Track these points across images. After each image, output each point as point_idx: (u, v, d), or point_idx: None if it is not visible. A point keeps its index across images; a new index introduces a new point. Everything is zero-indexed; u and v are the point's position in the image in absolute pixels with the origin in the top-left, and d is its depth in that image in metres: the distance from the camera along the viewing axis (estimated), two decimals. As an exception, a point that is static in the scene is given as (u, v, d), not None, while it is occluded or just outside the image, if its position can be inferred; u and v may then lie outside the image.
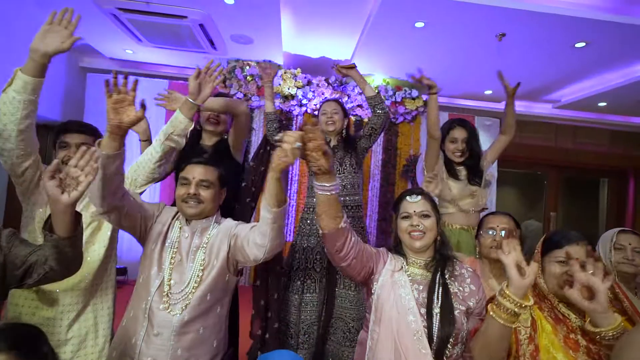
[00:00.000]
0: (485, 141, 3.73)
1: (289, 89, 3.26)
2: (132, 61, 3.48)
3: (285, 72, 3.27)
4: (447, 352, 0.97)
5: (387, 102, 3.39)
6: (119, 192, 1.08)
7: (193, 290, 1.10)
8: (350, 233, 1.03)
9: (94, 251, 1.30)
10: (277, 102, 3.32)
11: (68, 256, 0.93)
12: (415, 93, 3.39)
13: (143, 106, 1.08)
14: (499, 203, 4.26)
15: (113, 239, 1.36)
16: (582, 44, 2.48)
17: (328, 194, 0.98)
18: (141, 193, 1.44)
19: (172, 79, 3.56)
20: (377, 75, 3.35)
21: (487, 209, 1.96)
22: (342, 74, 1.94)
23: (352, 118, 3.45)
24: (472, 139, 1.88)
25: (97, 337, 1.29)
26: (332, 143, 1.90)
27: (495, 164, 2.49)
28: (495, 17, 2.25)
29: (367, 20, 2.53)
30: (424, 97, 3.51)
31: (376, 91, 1.91)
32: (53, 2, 2.48)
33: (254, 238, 1.09)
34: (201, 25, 2.63)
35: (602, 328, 0.89)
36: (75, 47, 3.53)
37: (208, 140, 1.74)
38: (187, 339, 1.08)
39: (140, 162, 1.40)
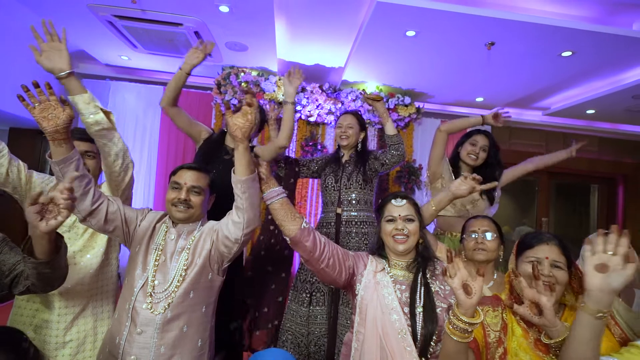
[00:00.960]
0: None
1: (282, 95, 3.28)
2: (127, 67, 3.50)
3: (279, 79, 3.31)
4: (430, 349, 0.99)
5: (380, 109, 3.43)
6: (87, 197, 1.09)
7: (176, 289, 1.12)
8: (315, 233, 1.06)
9: (91, 256, 1.32)
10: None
11: (47, 276, 0.95)
12: (407, 100, 3.44)
13: (63, 100, 1.11)
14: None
15: (111, 244, 1.38)
16: (569, 53, 2.55)
17: (277, 199, 1.02)
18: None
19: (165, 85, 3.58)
20: (370, 82, 3.40)
21: None
22: (368, 103, 1.99)
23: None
24: (493, 148, 1.93)
25: (95, 340, 1.30)
26: (345, 157, 1.93)
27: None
28: (484, 26, 2.30)
29: (360, 28, 2.58)
30: (416, 104, 3.56)
31: (395, 131, 1.90)
32: (50, 8, 2.52)
33: (232, 219, 1.14)
34: (196, 33, 2.66)
35: (553, 340, 0.93)
36: (70, 53, 3.55)
37: (231, 143, 1.82)
38: (170, 337, 1.09)
39: None
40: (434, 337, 1.00)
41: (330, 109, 3.41)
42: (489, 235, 1.37)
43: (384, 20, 2.31)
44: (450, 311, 0.91)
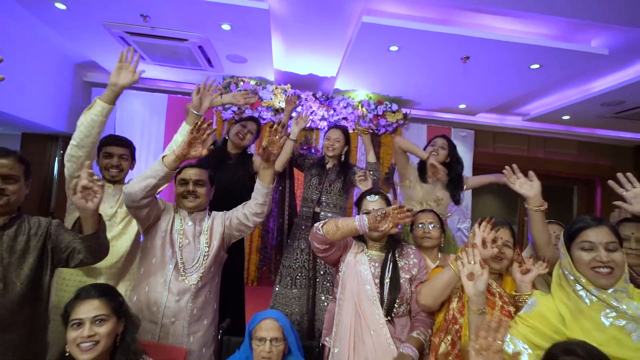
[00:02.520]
0: (460, 151, 4.10)
1: (279, 103, 3.57)
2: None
3: (276, 88, 3.59)
4: (394, 310, 1.27)
5: (370, 115, 3.72)
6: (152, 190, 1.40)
7: (203, 264, 1.40)
8: (333, 243, 1.37)
9: (124, 241, 1.61)
10: (269, 114, 3.63)
11: (94, 248, 1.21)
12: (395, 107, 3.73)
13: None
14: (479, 209, 4.59)
15: (139, 234, 1.67)
16: (537, 66, 2.84)
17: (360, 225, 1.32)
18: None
19: (171, 93, 3.87)
20: (360, 90, 3.69)
21: (448, 217, 2.32)
22: (357, 133, 2.35)
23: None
24: (451, 150, 2.24)
25: None
26: (329, 165, 2.24)
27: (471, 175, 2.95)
28: (459, 43, 2.60)
29: (349, 43, 2.87)
30: (403, 110, 3.85)
31: (375, 159, 2.29)
32: (67, 24, 2.79)
33: (251, 210, 1.47)
34: (200, 47, 2.94)
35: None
36: (81, 63, 3.83)
37: (232, 149, 2.19)
38: (200, 301, 1.39)
39: None
40: (397, 301, 1.29)
41: (323, 115, 3.69)
42: (431, 226, 1.67)
43: (369, 38, 2.60)
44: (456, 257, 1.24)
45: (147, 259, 1.44)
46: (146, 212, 1.41)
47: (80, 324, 1.04)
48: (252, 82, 3.58)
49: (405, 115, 3.84)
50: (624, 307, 1.01)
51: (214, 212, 1.59)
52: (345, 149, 2.25)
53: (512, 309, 1.27)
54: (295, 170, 2.79)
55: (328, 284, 1.99)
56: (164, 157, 1.39)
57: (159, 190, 1.45)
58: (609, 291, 1.04)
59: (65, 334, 1.07)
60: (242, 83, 3.54)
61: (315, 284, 2.02)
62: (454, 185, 2.26)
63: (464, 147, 4.18)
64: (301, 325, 1.99)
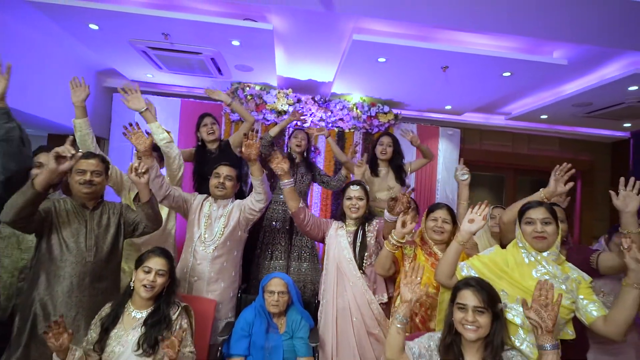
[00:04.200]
0: (447, 148, 4.60)
1: (282, 106, 4.06)
2: (150, 83, 4.27)
3: (279, 92, 4.07)
4: (364, 263, 1.78)
5: (364, 116, 4.20)
6: (162, 188, 1.89)
7: (218, 239, 1.91)
8: (307, 210, 1.88)
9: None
10: (272, 116, 4.11)
11: (150, 215, 1.72)
12: (386, 109, 4.21)
13: (148, 133, 1.93)
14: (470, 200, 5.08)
15: (170, 216, 2.19)
16: (508, 74, 3.31)
17: (288, 187, 1.83)
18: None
19: (184, 97, 4.36)
20: (355, 94, 4.17)
21: None
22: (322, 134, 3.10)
23: (336, 130, 4.26)
24: (396, 145, 2.80)
25: None
26: (297, 160, 2.80)
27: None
28: (438, 55, 3.06)
29: (342, 55, 3.34)
30: (395, 111, 4.33)
31: (347, 173, 2.91)
32: (96, 40, 3.27)
33: (254, 198, 1.99)
34: (212, 59, 3.42)
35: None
36: (102, 71, 4.33)
37: (211, 146, 2.72)
38: (216, 267, 1.89)
39: None
40: (365, 256, 1.81)
41: (321, 117, 4.18)
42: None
43: (359, 52, 3.08)
44: (390, 234, 1.69)
45: (187, 234, 1.95)
46: (171, 204, 1.94)
47: (149, 271, 1.53)
48: (257, 88, 4.06)
49: (396, 115, 4.32)
50: (550, 267, 1.46)
51: (236, 200, 2.08)
52: (308, 146, 2.88)
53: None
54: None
55: (306, 255, 2.54)
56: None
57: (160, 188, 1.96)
58: (544, 254, 1.49)
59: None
60: (248, 88, 4.02)
61: (290, 256, 2.55)
62: (398, 173, 2.86)
63: (451, 144, 4.66)
64: None
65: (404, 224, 1.66)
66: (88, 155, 1.71)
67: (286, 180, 1.86)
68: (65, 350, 1.38)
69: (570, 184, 1.87)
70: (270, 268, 2.51)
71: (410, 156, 3.97)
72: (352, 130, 4.27)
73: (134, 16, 2.78)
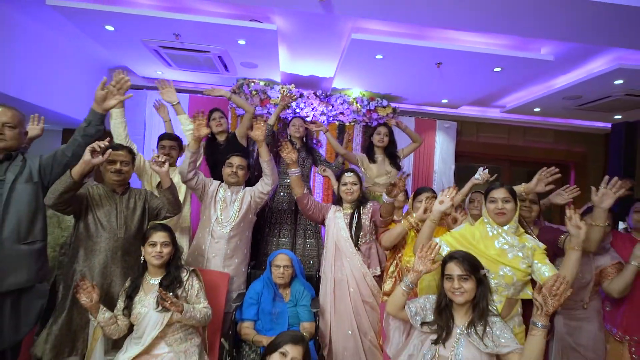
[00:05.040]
0: (444, 141, 4.86)
1: (291, 91, 4.31)
2: (158, 79, 4.52)
3: (282, 87, 4.32)
4: (359, 241, 2.05)
5: (364, 110, 4.45)
6: (192, 172, 2.18)
7: (234, 220, 2.19)
8: (310, 196, 2.16)
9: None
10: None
11: (172, 201, 2.00)
12: (385, 103, 4.45)
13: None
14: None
15: (186, 198, 2.47)
16: (499, 69, 3.55)
17: (295, 175, 2.10)
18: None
19: (192, 93, 4.62)
20: (355, 88, 4.41)
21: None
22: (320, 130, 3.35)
23: (337, 123, 4.51)
24: (391, 135, 3.17)
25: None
26: (298, 145, 3.07)
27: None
28: (432, 52, 3.30)
29: (342, 52, 3.59)
30: (393, 105, 4.57)
31: (342, 159, 3.23)
32: (111, 40, 3.53)
33: (263, 181, 2.28)
34: (219, 57, 3.68)
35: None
36: (113, 68, 4.60)
37: (219, 137, 2.96)
38: (231, 245, 2.17)
39: None
40: (360, 235, 2.08)
41: (323, 111, 4.43)
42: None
43: (358, 50, 3.32)
44: (409, 216, 1.99)
45: (202, 216, 2.22)
46: (194, 185, 2.20)
47: (154, 244, 1.80)
48: (262, 83, 4.32)
49: (394, 109, 4.56)
50: (509, 238, 1.73)
51: (247, 187, 2.36)
52: (306, 132, 3.17)
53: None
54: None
55: (310, 232, 2.83)
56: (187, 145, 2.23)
57: (197, 164, 2.25)
58: (504, 228, 1.76)
59: None
60: (252, 84, 4.28)
61: (296, 234, 2.84)
62: (393, 159, 3.22)
63: (448, 137, 4.90)
64: None
65: (425, 211, 1.96)
66: (118, 147, 1.99)
67: (294, 169, 2.15)
68: (96, 306, 1.67)
69: (551, 186, 2.09)
70: (278, 245, 2.80)
71: (402, 144, 4.25)
72: (352, 124, 4.53)
73: (147, 18, 3.04)
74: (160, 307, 1.70)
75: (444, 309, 1.55)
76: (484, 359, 1.42)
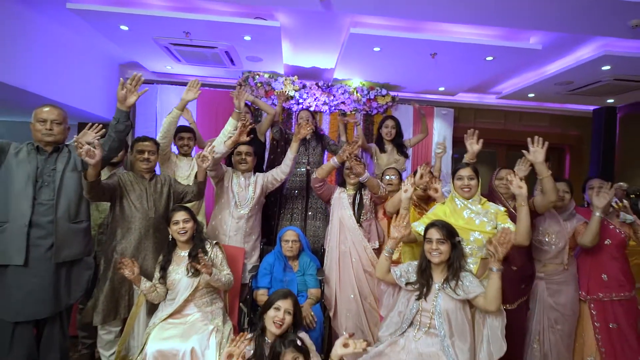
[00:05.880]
0: (441, 127, 5.15)
1: (288, 91, 4.60)
2: (168, 74, 4.83)
3: (285, 79, 4.60)
4: (361, 218, 2.38)
5: (364, 99, 4.73)
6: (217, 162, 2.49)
7: (251, 201, 2.52)
8: (325, 180, 2.48)
9: None
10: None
11: (202, 190, 2.33)
12: (384, 92, 4.73)
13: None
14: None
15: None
16: (491, 58, 3.80)
17: (335, 166, 2.42)
18: None
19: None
20: (355, 79, 4.68)
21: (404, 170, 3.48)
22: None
23: (338, 112, 4.79)
24: (398, 127, 3.38)
25: None
26: (308, 137, 3.38)
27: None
28: (426, 44, 3.56)
29: (342, 45, 3.85)
30: (392, 94, 4.84)
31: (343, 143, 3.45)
32: (124, 38, 3.82)
33: (280, 170, 2.61)
34: (226, 52, 3.96)
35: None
36: (124, 63, 4.88)
37: (261, 137, 3.37)
38: (250, 224, 2.52)
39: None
40: (362, 212, 2.40)
41: (325, 101, 4.72)
42: (394, 178, 2.74)
43: (356, 43, 3.59)
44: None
45: (218, 200, 2.56)
46: (215, 174, 2.52)
47: (177, 222, 2.13)
48: (266, 76, 4.60)
49: (393, 98, 4.83)
50: (474, 208, 2.06)
51: (257, 173, 2.69)
52: (315, 122, 3.48)
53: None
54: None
55: (319, 215, 3.14)
56: (225, 141, 2.48)
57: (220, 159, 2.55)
58: (469, 201, 2.09)
59: None
60: (257, 76, 4.56)
61: (307, 217, 3.15)
62: (400, 148, 3.54)
63: (445, 123, 5.18)
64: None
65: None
66: (145, 139, 2.30)
67: (338, 162, 2.54)
68: (137, 277, 2.01)
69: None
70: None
71: (408, 134, 4.56)
72: (353, 112, 4.81)
73: (159, 18, 3.33)
74: (190, 273, 2.04)
75: (424, 270, 1.88)
76: (458, 306, 1.75)
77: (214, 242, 2.23)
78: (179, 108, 2.70)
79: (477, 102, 5.42)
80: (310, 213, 3.14)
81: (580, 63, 3.87)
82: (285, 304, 1.75)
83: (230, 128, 2.68)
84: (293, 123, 4.78)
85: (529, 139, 2.18)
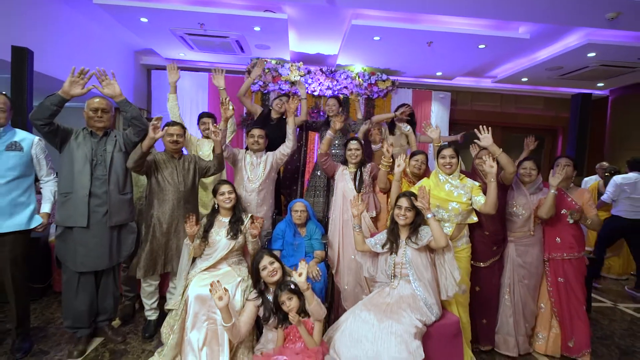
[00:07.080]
0: (439, 110, 5.54)
1: (294, 77, 5.00)
2: (182, 60, 5.22)
3: (292, 65, 4.99)
4: (361, 191, 2.85)
5: (365, 84, 5.12)
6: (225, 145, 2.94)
7: (262, 177, 2.99)
8: (329, 156, 2.93)
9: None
10: (287, 86, 5.06)
11: (221, 161, 2.80)
12: (384, 77, 5.12)
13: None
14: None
15: None
16: (483, 46, 4.18)
17: (330, 137, 2.89)
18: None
19: (209, 71, 5.31)
20: (357, 64, 5.07)
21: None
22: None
23: (341, 96, 5.20)
24: (412, 115, 3.79)
25: None
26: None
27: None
28: (423, 34, 3.94)
29: (344, 34, 4.23)
30: (392, 79, 5.22)
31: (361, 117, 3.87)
32: (143, 29, 4.21)
33: (285, 145, 3.05)
34: (237, 41, 4.36)
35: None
36: (139, 51, 5.28)
37: (274, 115, 3.70)
38: (261, 196, 2.99)
39: None
40: (362, 186, 2.88)
41: (328, 86, 5.12)
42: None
43: (357, 33, 3.98)
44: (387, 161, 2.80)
45: (235, 177, 3.03)
46: (225, 155, 3.00)
47: (223, 193, 2.61)
48: (273, 62, 4.99)
49: (393, 82, 5.22)
50: (454, 182, 2.51)
51: (268, 152, 3.14)
52: (340, 109, 3.77)
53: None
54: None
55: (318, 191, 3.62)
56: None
57: (226, 140, 3.01)
58: (450, 176, 2.54)
59: None
60: (265, 63, 4.95)
61: (329, 193, 3.60)
62: (413, 130, 3.84)
63: (442, 106, 5.57)
64: (320, 217, 3.65)
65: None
66: (174, 123, 2.76)
67: (333, 133, 3.02)
68: (193, 235, 2.50)
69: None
70: (315, 203, 3.58)
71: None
72: (355, 96, 5.21)
73: (177, 12, 3.72)
74: (230, 236, 2.54)
75: (392, 229, 2.37)
76: (421, 255, 2.25)
77: (250, 214, 2.71)
78: (171, 92, 3.23)
79: (474, 85, 5.79)
80: (317, 191, 3.63)
81: (567, 50, 4.24)
82: (265, 261, 2.29)
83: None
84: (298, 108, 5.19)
85: (475, 130, 2.55)
